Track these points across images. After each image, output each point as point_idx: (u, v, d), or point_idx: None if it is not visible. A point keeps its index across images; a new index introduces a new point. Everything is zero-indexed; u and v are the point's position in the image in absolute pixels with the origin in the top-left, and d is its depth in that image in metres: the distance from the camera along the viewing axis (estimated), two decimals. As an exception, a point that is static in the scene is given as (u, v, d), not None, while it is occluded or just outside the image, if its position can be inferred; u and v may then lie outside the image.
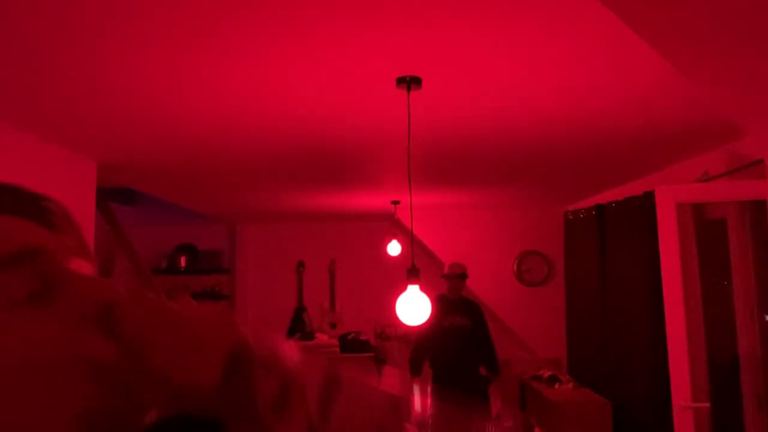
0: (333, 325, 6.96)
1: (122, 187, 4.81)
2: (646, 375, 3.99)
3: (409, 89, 2.20)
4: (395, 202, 5.67)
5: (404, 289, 2.23)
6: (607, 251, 4.81)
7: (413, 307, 2.18)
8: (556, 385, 4.97)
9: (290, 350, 1.00)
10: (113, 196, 5.69)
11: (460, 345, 4.48)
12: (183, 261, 7.36)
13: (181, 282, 7.36)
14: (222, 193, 4.97)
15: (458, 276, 4.61)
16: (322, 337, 6.45)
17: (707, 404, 2.93)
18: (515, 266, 6.20)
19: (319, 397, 1.12)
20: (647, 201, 3.87)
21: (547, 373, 5.28)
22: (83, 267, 1.00)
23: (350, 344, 5.87)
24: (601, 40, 1.86)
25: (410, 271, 2.24)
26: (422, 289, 2.24)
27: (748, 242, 3.14)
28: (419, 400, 4.34)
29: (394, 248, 5.76)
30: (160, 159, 3.54)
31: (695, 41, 1.28)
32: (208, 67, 2.06)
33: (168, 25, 1.71)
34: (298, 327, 6.80)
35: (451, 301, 4.62)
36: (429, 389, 4.45)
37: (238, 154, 3.46)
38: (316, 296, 7.20)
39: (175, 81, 2.19)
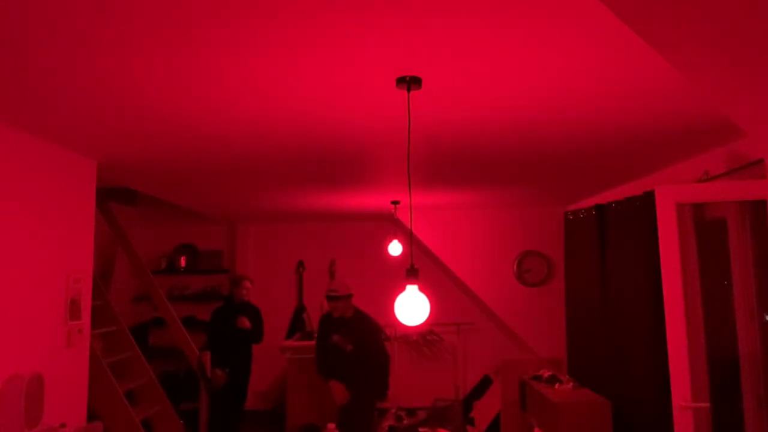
0: (333, 325, 6.95)
1: (122, 187, 4.81)
2: (646, 375, 3.99)
3: (409, 89, 2.20)
4: (395, 202, 5.67)
5: (403, 289, 2.23)
6: (607, 251, 4.81)
7: (412, 307, 2.18)
8: (556, 385, 4.97)
9: None
10: (113, 196, 5.70)
11: (342, 365, 4.40)
12: (183, 261, 7.36)
13: (181, 282, 7.37)
14: (222, 193, 4.97)
15: (332, 298, 4.43)
16: (322, 337, 6.44)
17: (707, 404, 2.93)
18: (515, 266, 6.20)
19: None
20: (647, 201, 3.87)
21: (547, 373, 5.27)
22: None
23: (350, 344, 5.86)
24: (601, 40, 1.86)
25: (409, 271, 2.23)
26: (421, 289, 2.24)
27: (748, 242, 3.14)
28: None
29: (395, 248, 5.76)
30: (160, 159, 3.54)
31: (695, 41, 1.28)
32: (207, 68, 2.05)
33: (168, 26, 1.71)
34: (298, 327, 6.79)
35: (335, 320, 4.51)
36: None
37: (239, 154, 3.46)
38: (316, 296, 7.19)
39: (175, 82, 2.19)
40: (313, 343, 6.24)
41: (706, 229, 3.36)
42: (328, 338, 4.47)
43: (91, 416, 3.83)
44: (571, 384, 4.97)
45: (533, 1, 1.59)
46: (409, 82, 2.16)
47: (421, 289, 2.23)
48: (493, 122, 2.81)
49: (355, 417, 4.27)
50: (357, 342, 4.39)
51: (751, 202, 3.08)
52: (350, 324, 4.44)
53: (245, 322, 5.35)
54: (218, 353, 5.32)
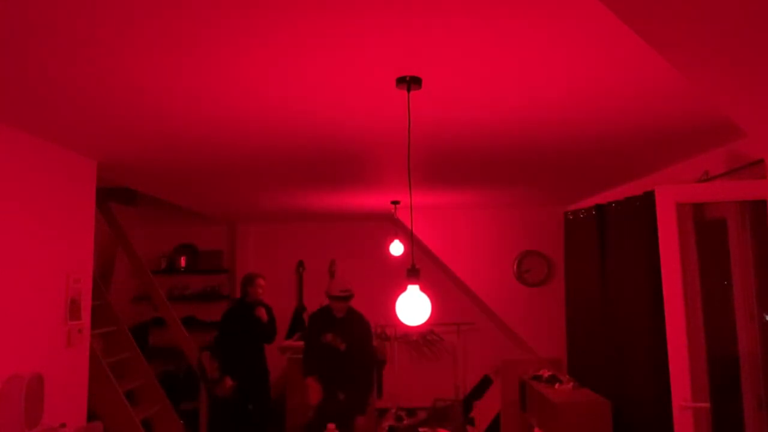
0: (333, 325, 6.95)
1: (122, 187, 4.81)
2: (646, 375, 3.99)
3: (409, 89, 2.20)
4: (395, 202, 5.67)
5: (404, 289, 2.23)
6: (607, 251, 4.81)
7: (413, 307, 2.18)
8: (556, 385, 4.97)
9: None
10: (113, 196, 5.70)
11: (334, 363, 4.35)
12: (183, 261, 7.36)
13: (181, 282, 7.36)
14: (222, 193, 4.97)
15: (344, 298, 4.37)
16: (322, 337, 6.44)
17: (707, 404, 2.93)
18: (515, 266, 6.20)
19: None
20: (647, 201, 3.87)
21: (547, 373, 5.27)
22: None
23: (350, 344, 5.85)
24: (601, 40, 1.86)
25: (410, 271, 2.23)
26: (422, 289, 2.24)
27: (748, 242, 3.14)
28: None
29: (396, 248, 5.76)
30: (160, 159, 3.54)
31: (695, 41, 1.28)
32: (207, 68, 2.05)
33: (168, 26, 1.71)
34: (298, 327, 6.79)
35: (328, 318, 4.45)
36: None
37: (239, 154, 3.46)
38: (316, 296, 7.20)
39: (175, 81, 2.19)
40: (312, 343, 6.24)
41: (706, 229, 3.36)
42: (321, 336, 4.43)
43: (91, 416, 3.82)
44: (571, 384, 4.97)
45: (533, 1, 1.59)
46: (409, 82, 2.16)
47: (421, 289, 2.23)
48: (493, 122, 2.81)
49: (350, 417, 4.26)
50: (350, 341, 4.37)
51: (751, 202, 3.08)
52: (344, 322, 4.42)
53: (263, 313, 5.32)
54: (230, 356, 5.21)
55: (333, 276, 7.14)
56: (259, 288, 5.42)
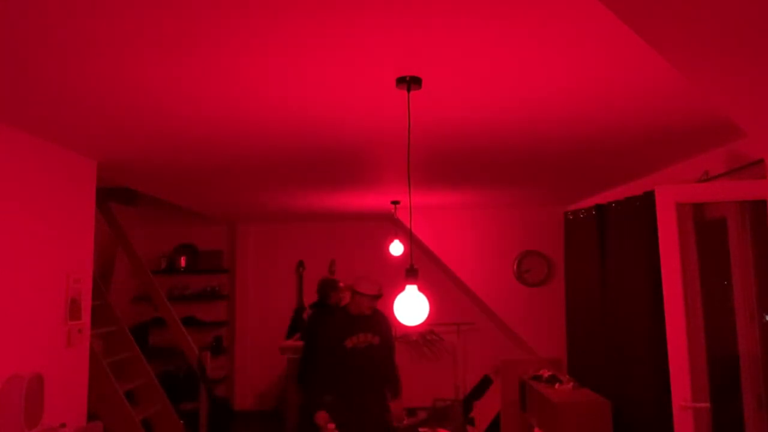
0: (333, 325, 6.94)
1: (122, 187, 4.81)
2: (646, 375, 3.99)
3: (409, 89, 2.20)
4: (395, 202, 5.67)
5: (403, 289, 2.23)
6: (607, 251, 4.81)
7: (411, 307, 2.17)
8: (556, 385, 4.97)
9: None
10: (113, 196, 5.70)
11: (368, 365, 4.08)
12: (183, 261, 7.36)
13: (181, 282, 7.37)
14: (222, 193, 4.97)
15: (377, 297, 4.13)
16: (322, 337, 6.43)
17: (707, 404, 2.93)
18: (515, 266, 6.20)
19: None
20: (647, 201, 3.87)
21: (547, 373, 5.27)
22: None
23: (350, 344, 5.84)
24: (601, 40, 1.86)
25: (408, 271, 2.23)
26: (421, 289, 2.24)
27: (748, 242, 3.14)
28: None
29: (396, 248, 5.75)
30: (160, 159, 3.54)
31: (695, 42, 1.28)
32: (208, 69, 2.05)
33: (167, 26, 1.71)
34: (298, 327, 6.79)
35: (353, 318, 4.13)
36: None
37: (239, 154, 3.46)
38: (316, 296, 7.20)
39: (175, 81, 2.19)
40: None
41: (706, 229, 3.35)
42: (343, 343, 4.07)
43: (91, 416, 3.82)
44: (571, 384, 4.97)
45: (534, 1, 1.59)
46: (409, 82, 2.16)
47: (420, 289, 2.23)
48: (493, 122, 2.81)
49: (382, 417, 4.18)
50: (381, 333, 4.20)
51: (751, 202, 3.08)
52: (371, 318, 4.18)
53: None
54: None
55: (333, 273, 7.14)
56: (342, 292, 5.33)
